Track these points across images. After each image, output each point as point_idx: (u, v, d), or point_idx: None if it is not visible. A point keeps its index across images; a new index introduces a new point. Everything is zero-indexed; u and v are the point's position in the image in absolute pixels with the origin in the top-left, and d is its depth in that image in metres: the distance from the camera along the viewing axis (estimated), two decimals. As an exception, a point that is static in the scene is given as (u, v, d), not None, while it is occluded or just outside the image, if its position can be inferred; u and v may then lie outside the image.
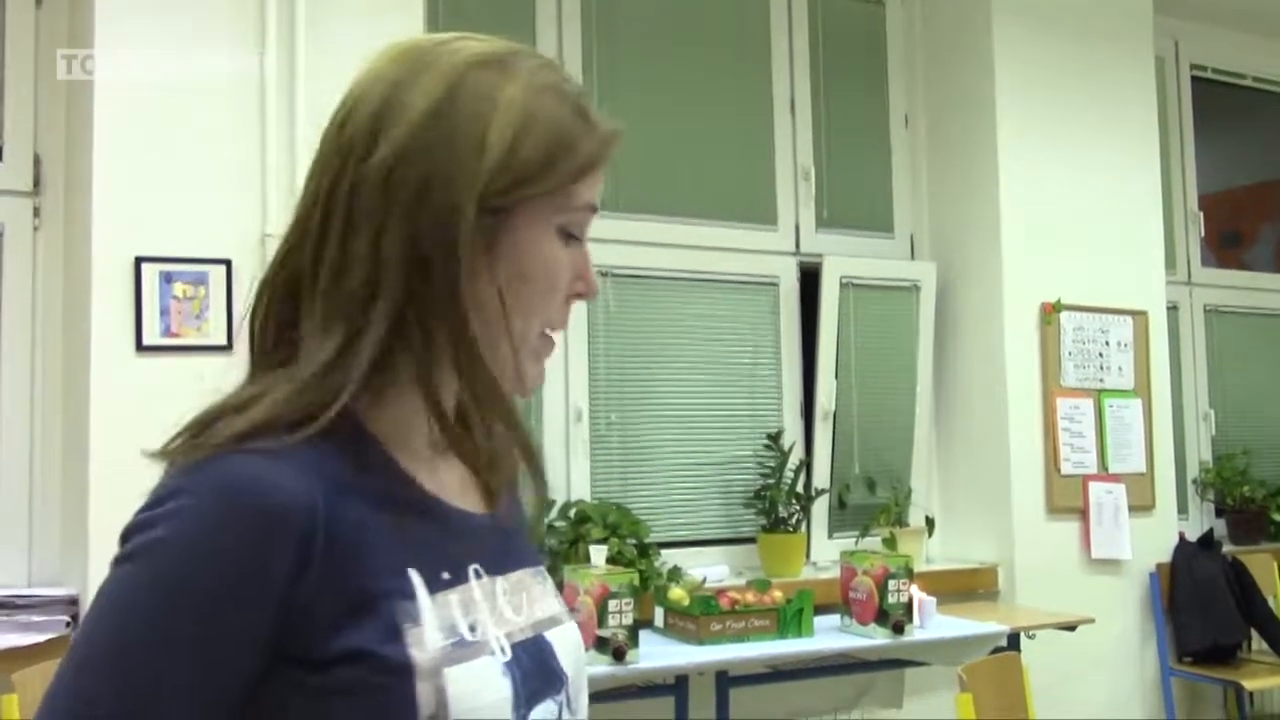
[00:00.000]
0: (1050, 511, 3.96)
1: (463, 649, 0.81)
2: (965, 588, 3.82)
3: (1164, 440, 4.26)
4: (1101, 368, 4.12)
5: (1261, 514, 4.61)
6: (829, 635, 3.10)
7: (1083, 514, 4.01)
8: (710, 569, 3.49)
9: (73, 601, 2.55)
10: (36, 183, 2.87)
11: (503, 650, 0.84)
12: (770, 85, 3.98)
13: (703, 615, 2.95)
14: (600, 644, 2.71)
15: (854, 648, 3.09)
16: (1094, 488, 4.03)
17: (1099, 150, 4.16)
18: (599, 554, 3.18)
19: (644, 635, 2.89)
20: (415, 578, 0.81)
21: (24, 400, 2.82)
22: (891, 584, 3.04)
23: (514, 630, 0.87)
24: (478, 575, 0.87)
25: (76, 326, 2.76)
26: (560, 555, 3.19)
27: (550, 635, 0.91)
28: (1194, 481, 4.71)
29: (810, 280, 3.93)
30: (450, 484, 0.90)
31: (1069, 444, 4.01)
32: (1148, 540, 4.12)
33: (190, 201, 2.69)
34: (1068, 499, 3.98)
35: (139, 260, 2.66)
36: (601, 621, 2.70)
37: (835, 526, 3.89)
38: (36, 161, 2.88)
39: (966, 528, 4.03)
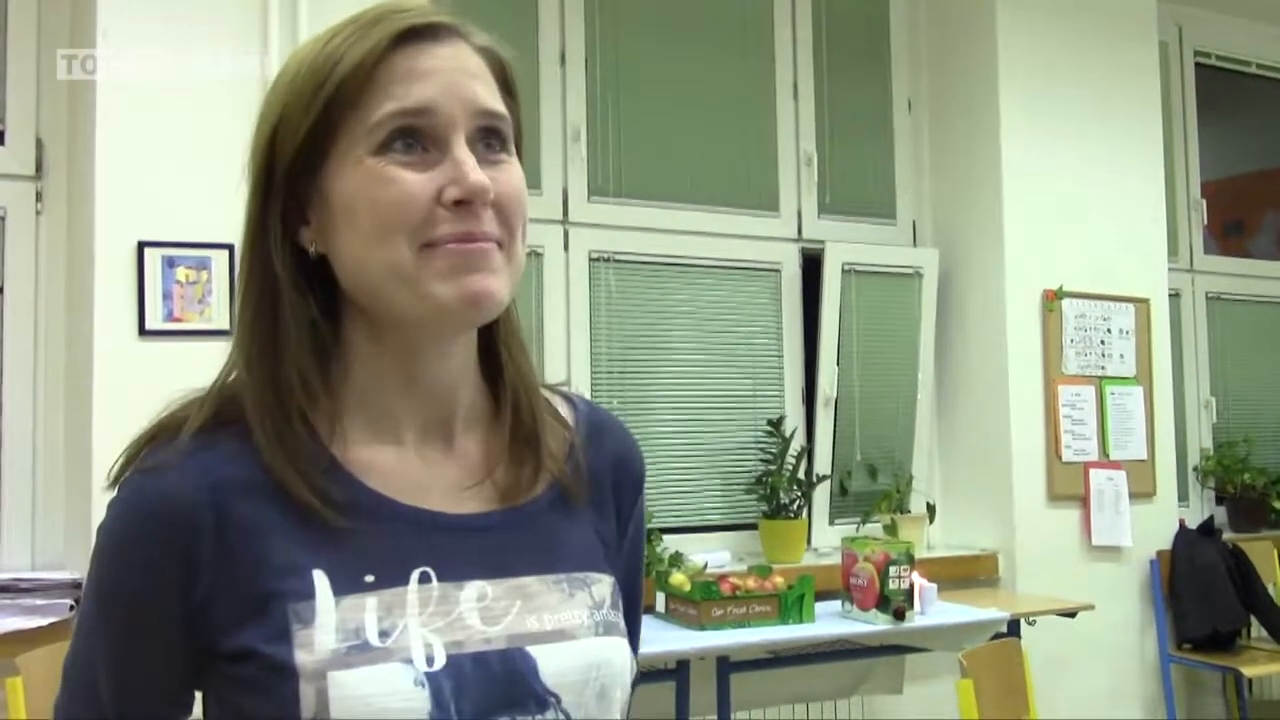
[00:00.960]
0: (1051, 498, 3.97)
1: (360, 653, 0.80)
2: (966, 574, 3.82)
3: (1165, 427, 4.26)
4: (1103, 355, 4.12)
5: (1262, 501, 4.62)
6: (830, 621, 3.11)
7: (1083, 501, 4.02)
8: (711, 554, 3.50)
9: (76, 585, 2.55)
10: (39, 167, 2.87)
11: (429, 659, 0.81)
12: (773, 70, 3.97)
13: (704, 601, 2.96)
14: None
15: (855, 633, 3.10)
16: (1095, 475, 4.03)
17: (1102, 137, 4.15)
18: (601, 539, 3.18)
19: (645, 621, 2.88)
20: (319, 578, 0.82)
21: (27, 385, 2.83)
22: (893, 570, 3.04)
23: (469, 639, 0.83)
24: (425, 579, 0.84)
25: (79, 311, 2.76)
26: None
27: (537, 649, 0.85)
28: (1195, 469, 4.71)
29: (812, 266, 3.93)
30: (427, 477, 0.88)
31: (1070, 431, 4.01)
32: (1148, 527, 4.13)
33: (193, 186, 2.69)
34: (1069, 486, 3.99)
35: (142, 245, 2.65)
36: (603, 607, 2.70)
37: (836, 513, 3.90)
38: (39, 145, 2.87)
39: (967, 514, 4.04)
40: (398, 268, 0.83)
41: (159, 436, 0.86)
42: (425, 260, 0.83)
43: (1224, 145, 5.14)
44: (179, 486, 0.82)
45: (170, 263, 2.67)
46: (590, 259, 3.60)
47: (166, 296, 2.66)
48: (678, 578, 3.10)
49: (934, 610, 3.22)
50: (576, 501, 0.94)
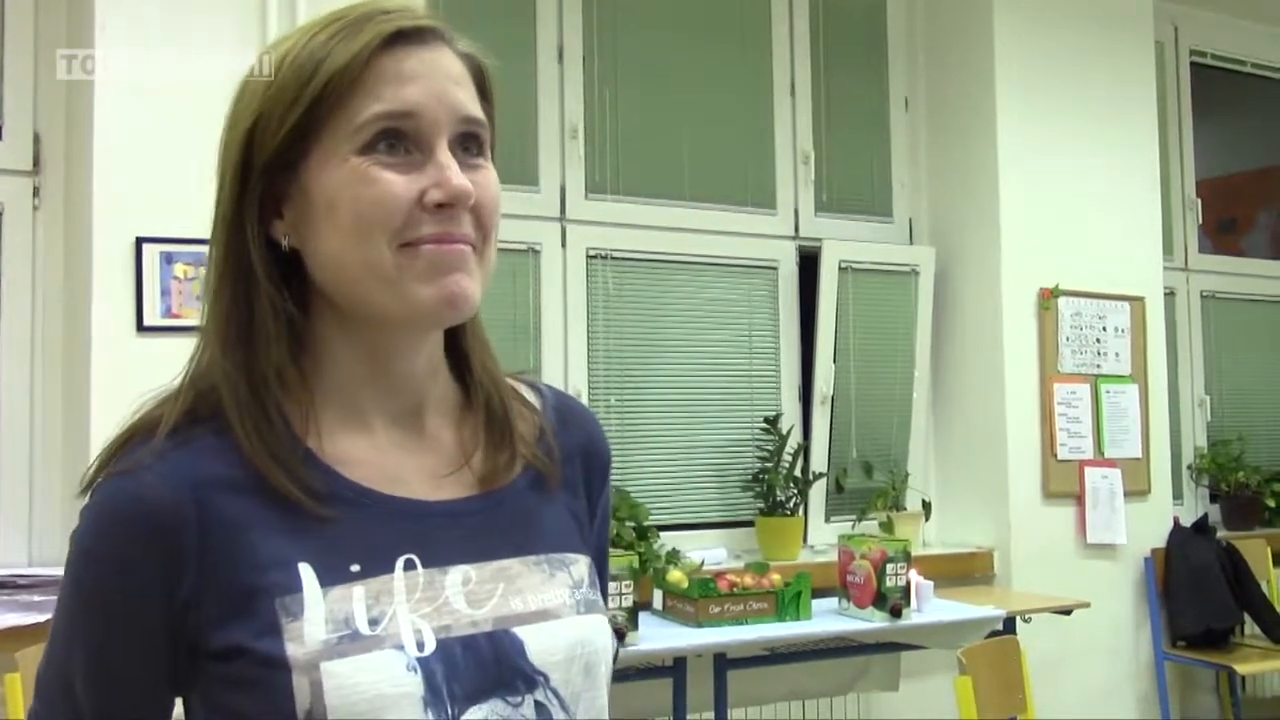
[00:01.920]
0: (1046, 496, 3.98)
1: (352, 643, 0.81)
2: (961, 572, 3.83)
3: (1160, 426, 4.27)
4: (1098, 353, 4.13)
5: (1256, 500, 4.63)
6: (827, 618, 3.11)
7: (1078, 499, 4.03)
8: (708, 552, 3.50)
9: (73, 581, 2.55)
10: (36, 162, 2.86)
11: (419, 644, 0.82)
12: (770, 68, 3.97)
13: (701, 598, 2.96)
14: (599, 626, 2.71)
15: (852, 631, 3.11)
16: (1090, 473, 4.04)
17: (1098, 136, 4.16)
18: (598, 536, 3.18)
19: (643, 617, 2.90)
20: (305, 571, 0.82)
21: (24, 381, 2.82)
22: (890, 568, 3.05)
23: (456, 623, 0.85)
24: (410, 566, 0.85)
25: (77, 307, 2.75)
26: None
27: (523, 630, 0.87)
28: (1189, 467, 4.73)
29: (809, 264, 3.94)
30: (404, 466, 0.90)
31: (1065, 429, 4.02)
32: (1143, 525, 4.14)
33: (191, 181, 2.66)
34: (1064, 484, 4.00)
35: (140, 240, 2.65)
36: (601, 603, 2.70)
37: (832, 510, 3.90)
38: (36, 140, 2.87)
39: (963, 512, 4.05)
40: (377, 267, 0.84)
41: (132, 440, 0.85)
42: (404, 260, 0.84)
43: (1219, 144, 5.15)
44: (158, 487, 0.82)
45: (168, 259, 2.67)
46: (587, 256, 3.60)
47: (164, 292, 2.66)
48: (675, 575, 3.10)
49: (930, 608, 3.23)
50: (551, 484, 0.96)
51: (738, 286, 3.87)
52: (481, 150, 0.89)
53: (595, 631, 0.92)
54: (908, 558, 3.11)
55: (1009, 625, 3.33)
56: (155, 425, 0.85)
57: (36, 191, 2.86)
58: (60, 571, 2.61)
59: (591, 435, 1.04)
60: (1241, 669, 4.03)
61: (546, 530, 0.94)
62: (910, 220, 4.22)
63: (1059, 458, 4.00)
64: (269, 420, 0.85)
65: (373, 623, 0.82)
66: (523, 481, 0.95)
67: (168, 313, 2.66)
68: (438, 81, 0.86)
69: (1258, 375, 5.02)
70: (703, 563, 3.33)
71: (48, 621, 2.55)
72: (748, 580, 3.07)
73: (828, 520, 3.88)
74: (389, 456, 0.89)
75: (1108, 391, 4.13)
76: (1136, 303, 4.22)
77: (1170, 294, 4.64)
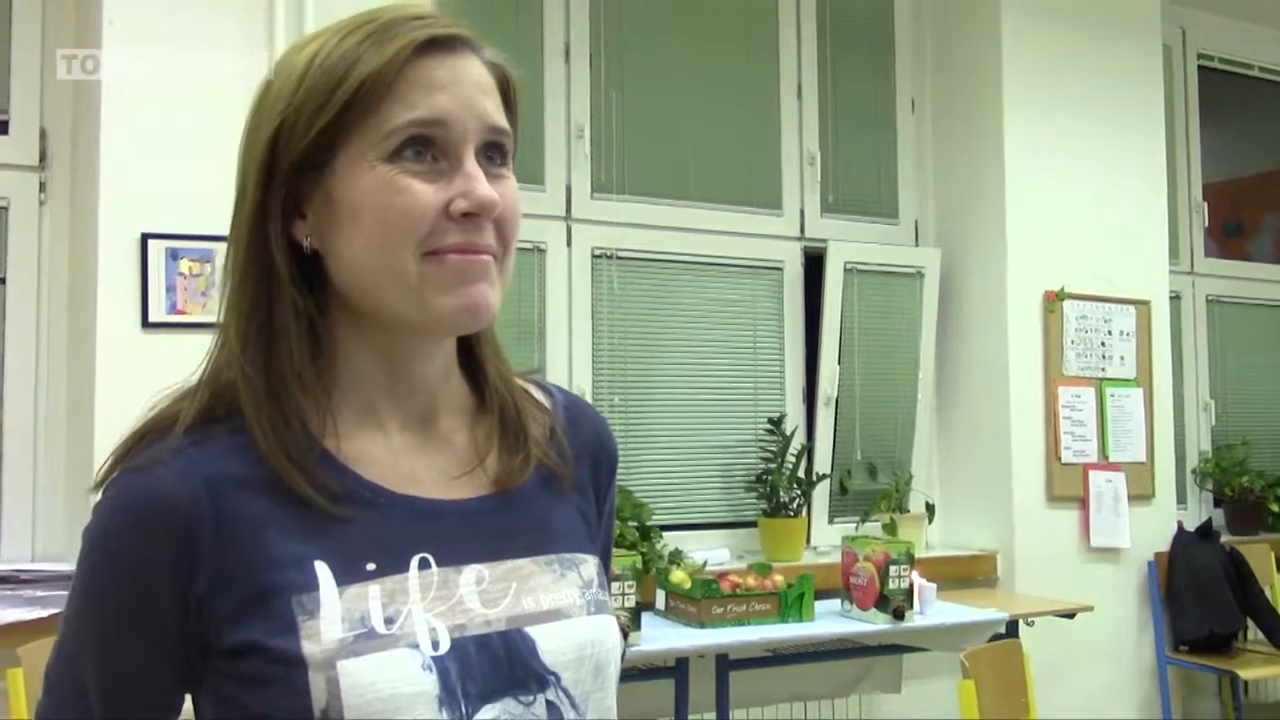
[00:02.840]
0: (1050, 499, 3.97)
1: (368, 641, 0.81)
2: (964, 574, 3.83)
3: (1164, 430, 4.26)
4: (1103, 357, 4.13)
5: (1260, 504, 4.63)
6: (829, 620, 3.11)
7: (1082, 502, 4.02)
8: (711, 552, 3.50)
9: (77, 577, 2.55)
10: (43, 157, 2.86)
11: (434, 644, 0.83)
12: (777, 69, 3.97)
13: (704, 598, 2.96)
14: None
15: (854, 632, 3.11)
16: (1094, 476, 4.04)
17: (1104, 138, 4.15)
18: (601, 536, 3.18)
19: (645, 618, 2.90)
20: (322, 569, 0.83)
21: (29, 376, 2.82)
22: (893, 570, 3.05)
23: (470, 623, 0.85)
24: (424, 565, 0.86)
25: (82, 303, 2.75)
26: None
27: (536, 630, 0.88)
28: (1193, 471, 4.72)
29: (814, 265, 3.93)
30: (418, 467, 0.90)
31: (1070, 432, 4.02)
32: (1147, 529, 4.13)
33: (197, 178, 2.68)
34: (1068, 487, 3.99)
35: (145, 237, 2.65)
36: (604, 603, 2.70)
37: (836, 512, 3.90)
38: (43, 136, 2.87)
39: (966, 514, 4.04)
40: (400, 275, 0.84)
41: (148, 435, 0.86)
42: (428, 269, 0.84)
43: (1225, 148, 5.14)
44: (173, 484, 0.82)
45: (174, 255, 2.67)
46: (593, 255, 3.60)
47: (170, 289, 2.66)
48: (678, 575, 3.10)
49: (933, 610, 3.22)
50: (562, 484, 0.97)
51: (743, 287, 3.87)
52: (505, 160, 0.90)
53: (605, 632, 0.92)
54: (911, 560, 3.11)
55: (1012, 628, 3.32)
56: (172, 422, 0.85)
57: (43, 187, 2.86)
58: (64, 567, 2.62)
59: (601, 435, 1.04)
60: (1244, 674, 4.03)
61: (557, 530, 0.95)
62: (916, 222, 4.22)
63: (1063, 461, 3.99)
64: (286, 420, 0.85)
65: (388, 621, 0.82)
66: (535, 482, 0.95)
67: (173, 309, 2.66)
68: (467, 90, 0.86)
69: (1263, 380, 5.01)
70: (706, 563, 3.33)
71: (51, 617, 2.57)
72: (750, 581, 3.07)
73: (831, 522, 3.87)
74: (403, 457, 0.90)
75: (1112, 395, 4.12)
76: (1142, 306, 4.21)
77: (1176, 298, 4.63)
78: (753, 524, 3.74)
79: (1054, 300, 4.01)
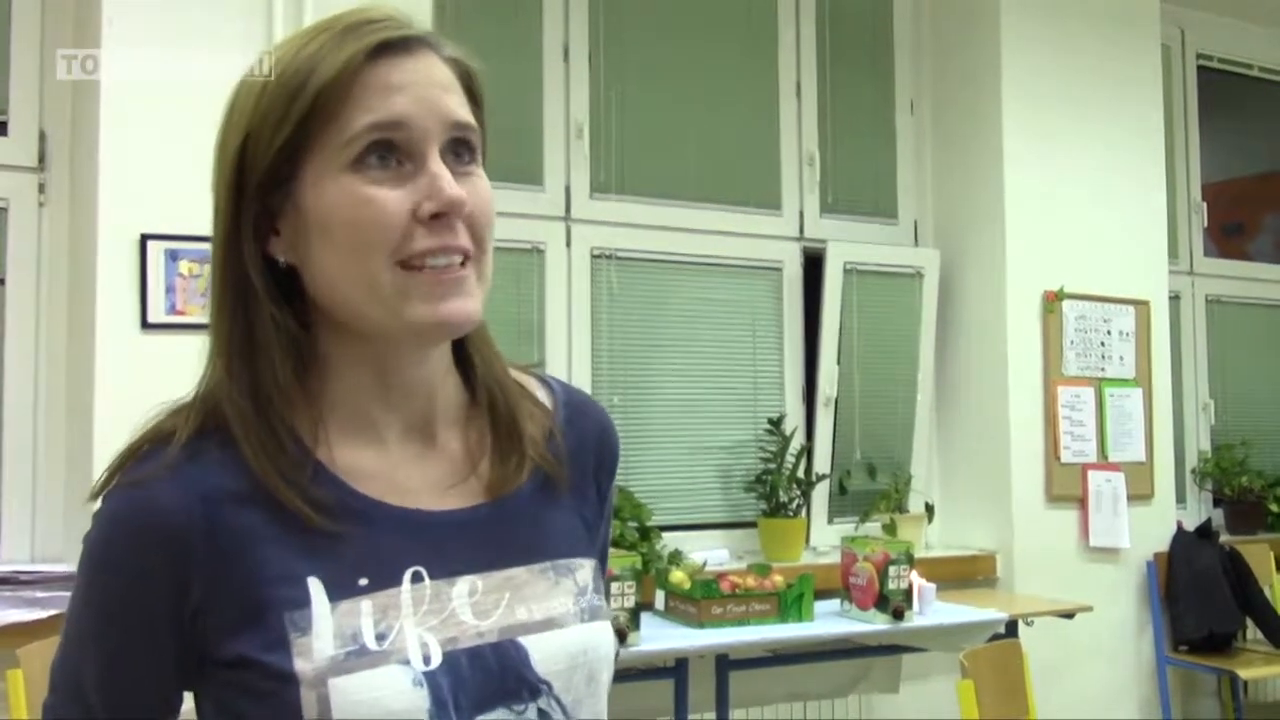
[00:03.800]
0: (1049, 499, 3.97)
1: (359, 658, 0.82)
2: (964, 574, 3.83)
3: (1164, 430, 4.26)
4: (1103, 357, 4.13)
5: (1259, 504, 4.63)
6: (829, 620, 3.11)
7: (1082, 502, 4.02)
8: (711, 553, 3.50)
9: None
10: (42, 159, 2.86)
11: (426, 658, 0.83)
12: (776, 69, 3.97)
13: (703, 599, 2.96)
14: (602, 626, 2.71)
15: (853, 633, 3.11)
16: (1093, 476, 4.04)
17: (1103, 138, 4.15)
18: (601, 537, 3.18)
19: (645, 618, 2.90)
20: (314, 586, 0.83)
21: (28, 377, 2.82)
22: (892, 570, 3.05)
23: (463, 635, 0.85)
24: (417, 578, 0.86)
25: (81, 304, 2.75)
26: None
27: (529, 640, 0.88)
28: (1193, 471, 4.72)
29: (814, 266, 3.93)
30: (414, 476, 0.90)
31: (1069, 432, 4.02)
32: (1146, 529, 4.13)
33: (196, 179, 2.67)
34: (1067, 487, 3.99)
35: (144, 237, 2.65)
36: (603, 604, 2.70)
37: (835, 512, 3.90)
38: (42, 137, 2.87)
39: (966, 515, 4.04)
40: (375, 286, 0.84)
41: (142, 450, 0.86)
42: (402, 282, 0.84)
43: (1225, 148, 5.14)
44: (168, 499, 0.83)
45: (173, 256, 2.67)
46: (592, 256, 3.60)
47: (169, 290, 2.66)
48: (677, 575, 3.10)
49: (932, 610, 3.22)
50: (559, 487, 0.96)
51: (742, 287, 3.87)
52: (474, 156, 0.88)
53: (599, 639, 0.92)
54: (910, 560, 3.11)
55: (1011, 628, 3.32)
56: (167, 437, 0.86)
57: (42, 188, 2.86)
58: (63, 568, 2.61)
59: (604, 431, 1.03)
60: (1244, 674, 4.03)
61: (553, 536, 0.95)
62: (915, 222, 4.22)
63: (1062, 461, 3.99)
64: (276, 438, 0.85)
65: (380, 637, 0.83)
66: (530, 485, 0.94)
67: (172, 310, 2.66)
68: (426, 90, 0.85)
69: (1262, 380, 5.01)
70: (705, 563, 3.33)
71: (51, 618, 2.56)
72: (750, 581, 3.07)
73: (830, 522, 3.87)
74: (397, 468, 0.90)
75: (1111, 395, 4.13)
76: (1141, 306, 4.21)
77: (1175, 298, 4.63)
78: (752, 524, 3.74)
79: (1053, 300, 4.01)
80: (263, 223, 0.87)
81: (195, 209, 2.84)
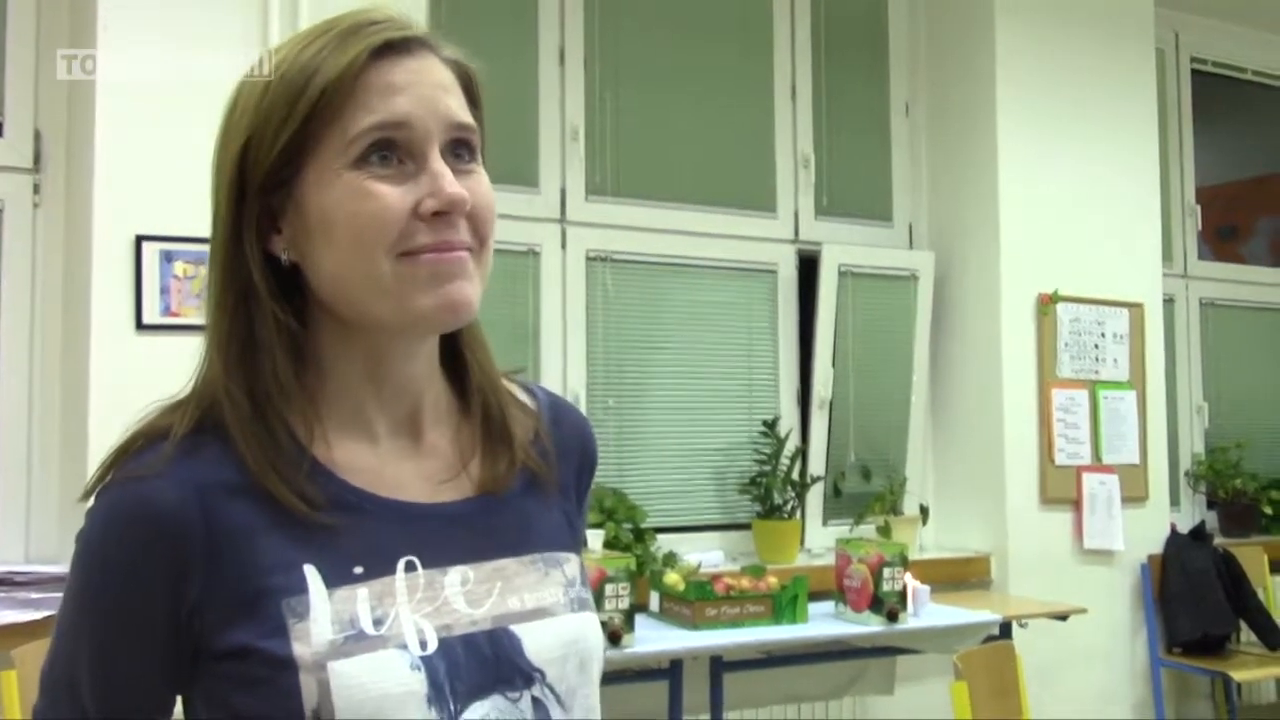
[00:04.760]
0: (1043, 501, 3.98)
1: (358, 642, 0.83)
2: (958, 576, 3.83)
3: (1158, 432, 4.27)
4: (1097, 359, 4.14)
5: (1253, 507, 4.64)
6: (823, 622, 3.12)
7: (1076, 504, 4.03)
8: (705, 554, 3.50)
9: (70, 579, 2.54)
10: (37, 159, 2.86)
11: (422, 644, 0.84)
12: (771, 71, 3.98)
13: (698, 600, 2.96)
14: (596, 628, 2.71)
15: (848, 634, 3.11)
16: (1087, 478, 4.05)
17: (1098, 142, 4.16)
18: (595, 539, 3.19)
19: (640, 620, 2.90)
20: (311, 573, 0.84)
21: (23, 378, 2.82)
22: (887, 572, 3.05)
23: (457, 623, 0.87)
24: (410, 568, 0.87)
25: (76, 305, 2.75)
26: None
27: (520, 628, 0.90)
28: (1186, 474, 4.73)
29: (808, 268, 3.94)
30: (404, 471, 0.91)
31: (1063, 435, 4.03)
32: (1140, 531, 4.14)
33: (191, 180, 2.67)
34: (1061, 489, 4.00)
35: (140, 239, 2.65)
36: (598, 605, 2.71)
37: (830, 514, 3.91)
38: (37, 138, 2.87)
39: (960, 517, 4.05)
40: (377, 280, 0.85)
41: (136, 446, 0.87)
42: (404, 270, 0.85)
43: (1219, 151, 5.15)
44: (164, 492, 0.83)
45: (168, 257, 2.67)
46: (587, 258, 3.60)
47: (164, 291, 2.66)
48: (672, 577, 3.11)
49: (926, 612, 3.23)
50: (546, 486, 0.99)
51: (737, 289, 3.87)
52: (473, 155, 0.90)
53: (588, 629, 0.95)
54: (904, 562, 3.11)
55: (1005, 630, 3.33)
56: (163, 433, 0.86)
57: (37, 189, 2.86)
58: (58, 569, 2.61)
59: (584, 437, 1.06)
60: (1237, 675, 4.03)
61: (540, 530, 0.96)
62: (910, 225, 4.22)
63: (1056, 463, 4.00)
64: (272, 434, 0.86)
65: (377, 623, 0.84)
66: (519, 483, 0.96)
67: (167, 311, 2.66)
68: (427, 90, 0.87)
69: (1256, 382, 5.02)
70: (700, 565, 3.33)
71: (45, 619, 2.56)
72: (744, 583, 3.07)
73: (825, 524, 3.88)
74: (389, 463, 0.91)
75: (1106, 397, 4.13)
76: (1135, 309, 4.22)
77: (1169, 301, 4.64)
78: (747, 526, 3.74)
79: (1047, 303, 4.02)
80: (264, 221, 0.88)
81: (190, 210, 2.84)
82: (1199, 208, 4.90)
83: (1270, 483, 4.73)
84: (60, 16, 2.87)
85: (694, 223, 3.78)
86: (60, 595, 0.90)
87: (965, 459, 4.05)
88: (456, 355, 0.97)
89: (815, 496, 3.85)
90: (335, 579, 0.84)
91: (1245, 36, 5.02)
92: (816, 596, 3.17)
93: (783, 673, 3.30)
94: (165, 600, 0.83)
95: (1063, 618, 3.55)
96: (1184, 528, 4.33)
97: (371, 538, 0.87)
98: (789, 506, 3.69)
